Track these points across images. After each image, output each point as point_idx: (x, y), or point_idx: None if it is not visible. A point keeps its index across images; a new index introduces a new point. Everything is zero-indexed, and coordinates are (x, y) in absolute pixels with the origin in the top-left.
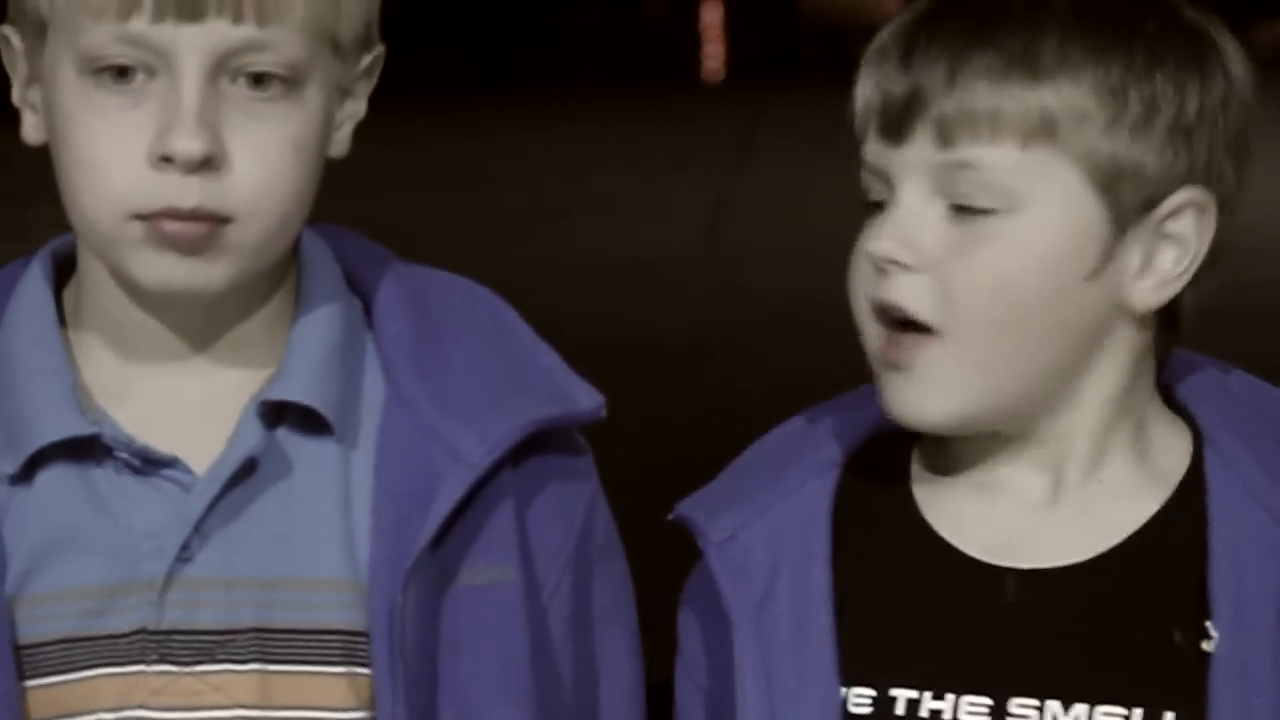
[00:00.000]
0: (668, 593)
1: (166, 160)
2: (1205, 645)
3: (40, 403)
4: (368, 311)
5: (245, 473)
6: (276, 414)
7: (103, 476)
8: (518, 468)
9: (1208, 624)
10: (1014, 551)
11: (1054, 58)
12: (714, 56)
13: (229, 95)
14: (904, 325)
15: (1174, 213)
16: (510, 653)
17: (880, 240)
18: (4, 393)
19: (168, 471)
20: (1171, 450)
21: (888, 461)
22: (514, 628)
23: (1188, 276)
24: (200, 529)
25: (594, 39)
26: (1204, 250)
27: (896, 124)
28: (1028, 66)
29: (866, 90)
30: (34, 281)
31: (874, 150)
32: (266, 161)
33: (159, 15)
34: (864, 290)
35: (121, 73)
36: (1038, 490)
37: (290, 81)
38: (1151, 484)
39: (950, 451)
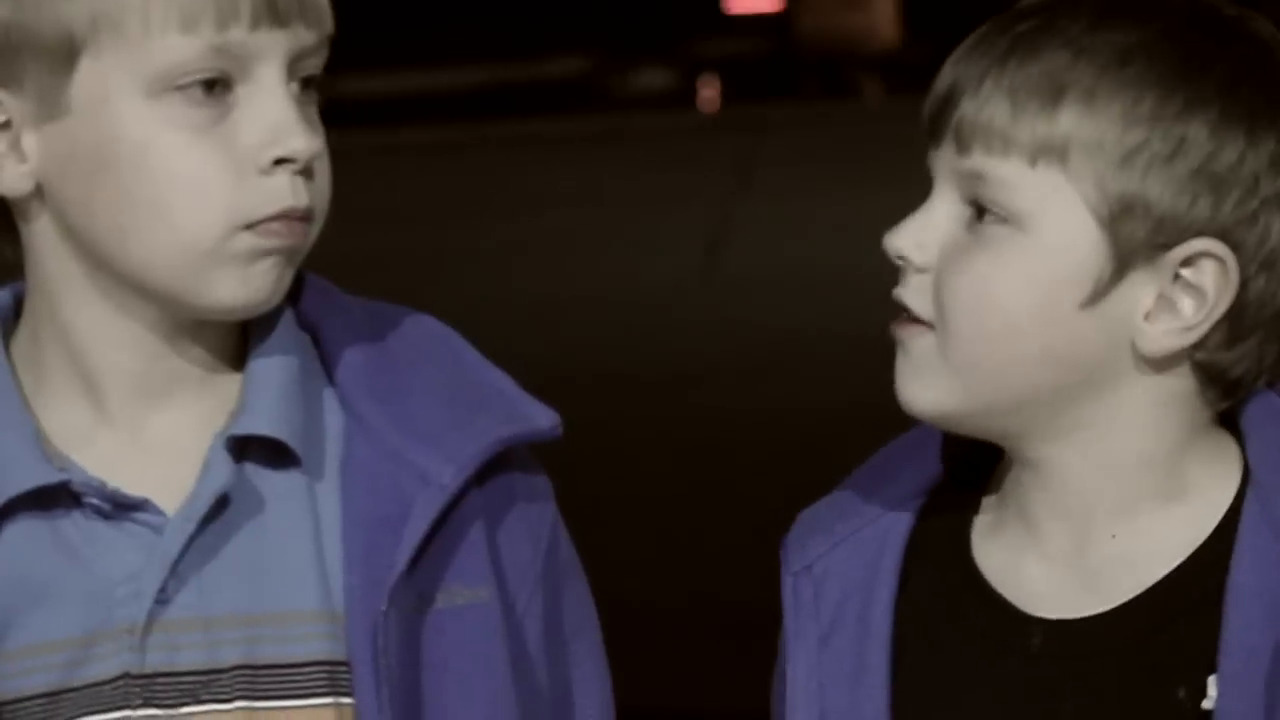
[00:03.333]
0: (650, 615)
1: (280, 163)
2: (1205, 704)
3: (2, 455)
4: (316, 343)
5: (217, 510)
6: (241, 449)
7: (71, 524)
8: (484, 488)
9: (1210, 679)
10: (1045, 600)
11: (1084, 82)
12: (709, 84)
13: (294, 96)
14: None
15: (1189, 260)
16: (492, 672)
17: (896, 236)
18: None
19: (138, 514)
20: (1211, 496)
21: (959, 499)
22: (494, 648)
23: (1204, 328)
24: (176, 570)
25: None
26: (1223, 305)
27: (932, 122)
28: (1053, 87)
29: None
30: None
31: (927, 149)
32: (327, 163)
33: (255, 22)
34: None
35: (209, 86)
36: (1068, 538)
37: (315, 84)
38: (1183, 533)
39: (1003, 494)
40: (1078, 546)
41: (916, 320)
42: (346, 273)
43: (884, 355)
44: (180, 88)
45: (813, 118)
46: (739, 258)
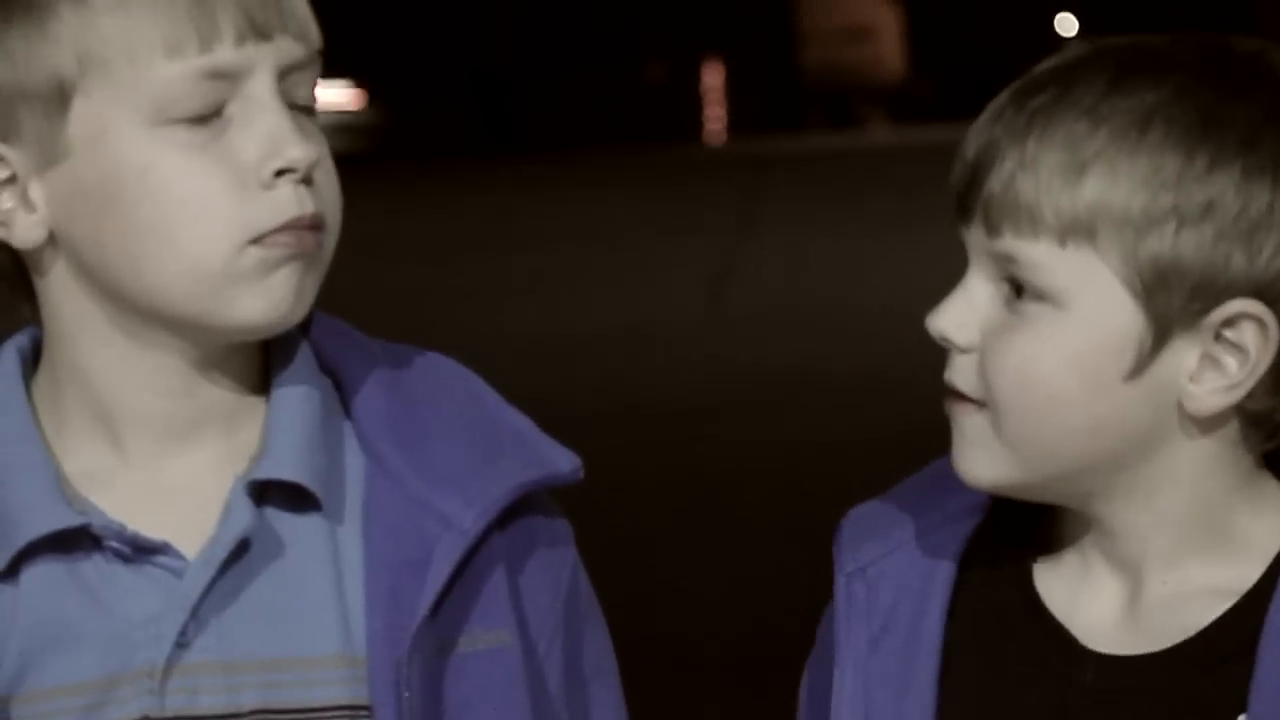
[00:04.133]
0: (655, 650)
1: (281, 174)
2: None
3: (24, 498)
4: (337, 386)
5: (238, 554)
6: (262, 492)
7: (91, 567)
8: (505, 531)
9: (1240, 719)
10: (1099, 637)
11: (1106, 154)
12: (715, 119)
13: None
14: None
15: (1229, 322)
16: (514, 715)
17: (938, 318)
18: None
19: (158, 557)
20: (1258, 543)
21: (1022, 518)
22: (515, 690)
23: (1249, 385)
24: (196, 614)
25: (595, 103)
26: (1266, 360)
27: (960, 201)
28: (1075, 163)
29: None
30: (4, 377)
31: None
32: (331, 171)
33: (240, 39)
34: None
35: (201, 117)
36: (1121, 583)
37: (313, 109)
38: (1231, 579)
39: (1060, 531)
40: (1131, 591)
41: (967, 398)
42: (354, 308)
43: (889, 390)
44: (175, 118)
45: (818, 152)
46: (743, 293)
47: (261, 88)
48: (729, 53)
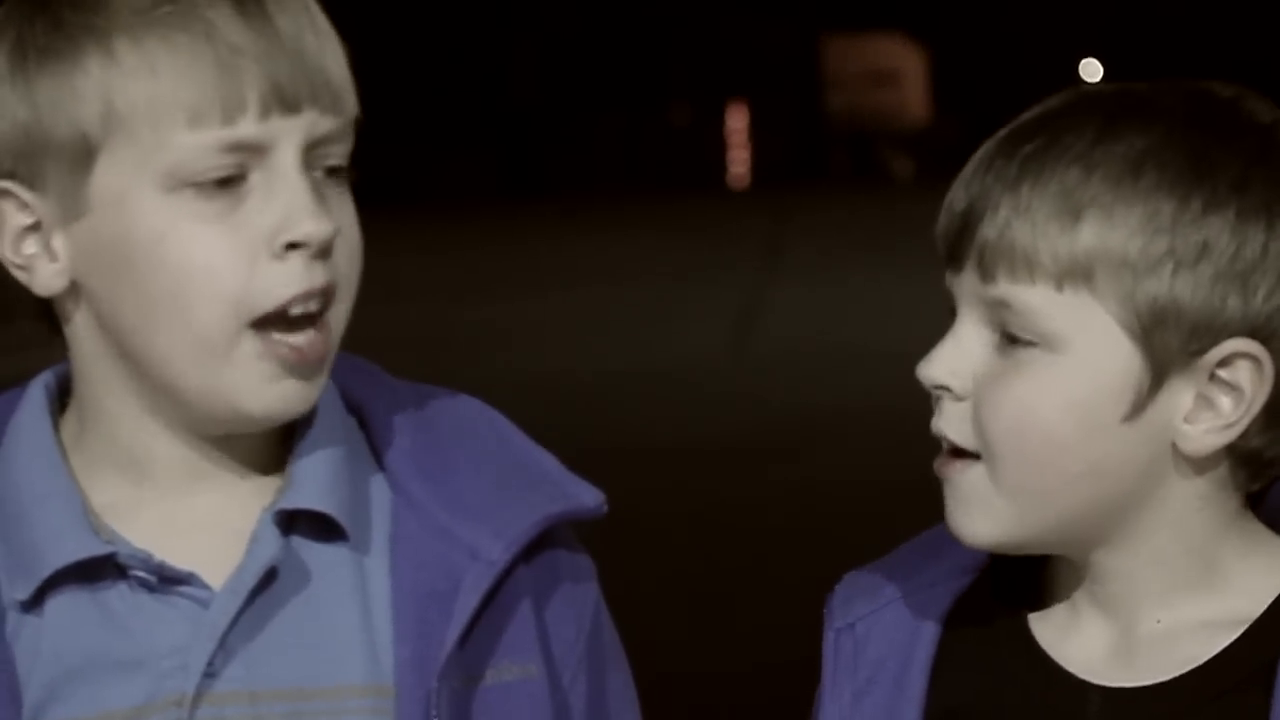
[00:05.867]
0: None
1: (294, 247)
2: None
3: (50, 527)
4: (362, 425)
5: (265, 583)
6: (289, 523)
7: (116, 596)
8: (530, 564)
9: None
10: (1099, 670)
11: (1101, 199)
12: (739, 162)
13: (314, 182)
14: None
15: (1224, 361)
16: None
17: (930, 366)
18: (11, 521)
19: (184, 587)
20: (1247, 580)
21: (1016, 574)
22: None
23: (1244, 424)
24: (224, 643)
25: (619, 145)
26: (1261, 399)
27: (950, 248)
28: (1070, 208)
29: (945, 202)
30: (33, 412)
31: (944, 270)
32: (355, 239)
33: (264, 113)
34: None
35: (223, 181)
36: (1114, 623)
37: (345, 170)
38: (1224, 613)
39: (1053, 578)
40: (1123, 630)
41: (959, 454)
42: (378, 349)
43: (912, 431)
44: (195, 184)
45: (842, 195)
46: (766, 335)
47: (285, 161)
48: (753, 96)
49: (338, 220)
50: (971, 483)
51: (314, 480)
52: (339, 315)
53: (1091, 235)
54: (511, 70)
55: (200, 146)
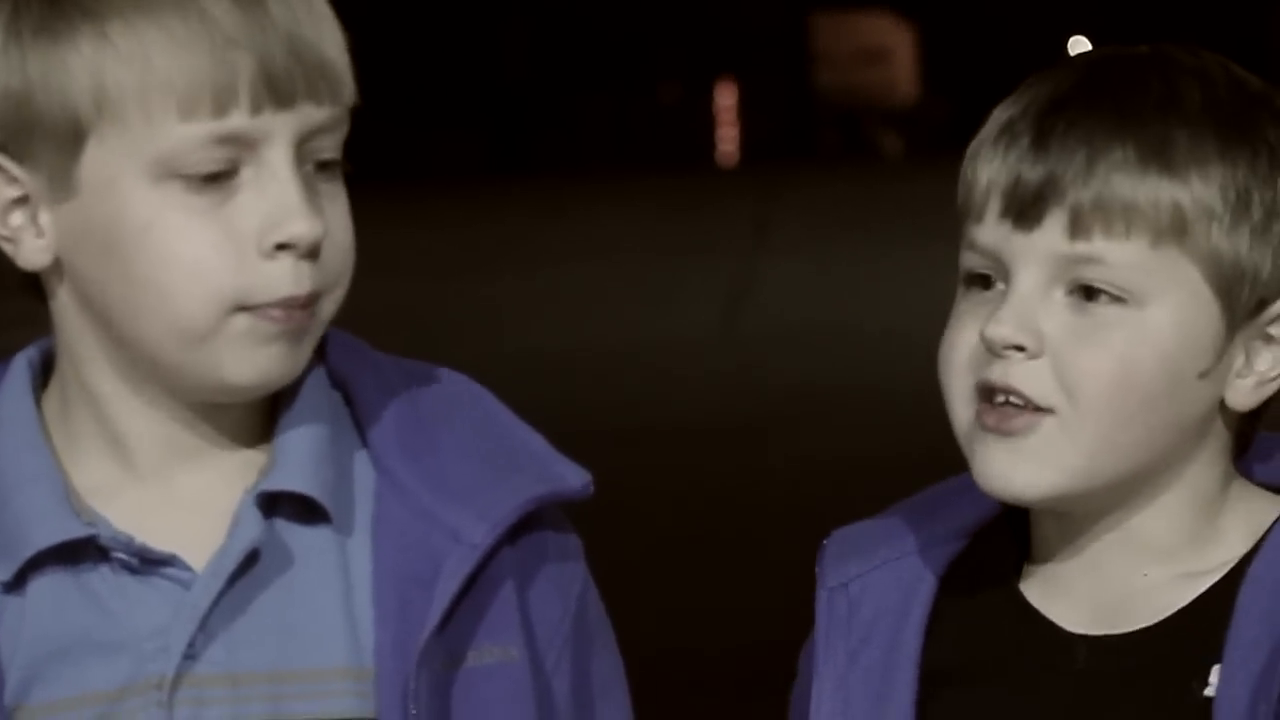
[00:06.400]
0: (669, 669)
1: (282, 248)
2: (1207, 691)
3: (31, 508)
4: (348, 401)
5: (247, 565)
6: (271, 504)
7: (98, 578)
8: (515, 546)
9: (1214, 668)
10: (1085, 621)
11: (1187, 154)
12: (728, 140)
13: (305, 177)
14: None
15: (1276, 318)
16: None
17: (1000, 325)
18: None
19: (166, 569)
20: (1235, 532)
21: (1008, 536)
22: (523, 706)
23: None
24: (204, 625)
25: (608, 123)
26: None
27: (1027, 209)
28: (1163, 161)
29: (990, 170)
30: (15, 391)
31: (993, 232)
32: (345, 236)
33: (256, 107)
34: (966, 370)
35: (212, 176)
36: (1101, 577)
37: (339, 163)
38: (1209, 564)
39: (1048, 532)
40: (1110, 584)
41: (1024, 408)
42: (365, 326)
43: (903, 410)
44: (183, 176)
45: (831, 173)
46: (756, 314)
47: (276, 156)
48: (743, 74)
49: (328, 217)
50: (1044, 437)
51: (297, 460)
52: (327, 306)
53: (1185, 191)
54: (502, 48)
55: (191, 138)
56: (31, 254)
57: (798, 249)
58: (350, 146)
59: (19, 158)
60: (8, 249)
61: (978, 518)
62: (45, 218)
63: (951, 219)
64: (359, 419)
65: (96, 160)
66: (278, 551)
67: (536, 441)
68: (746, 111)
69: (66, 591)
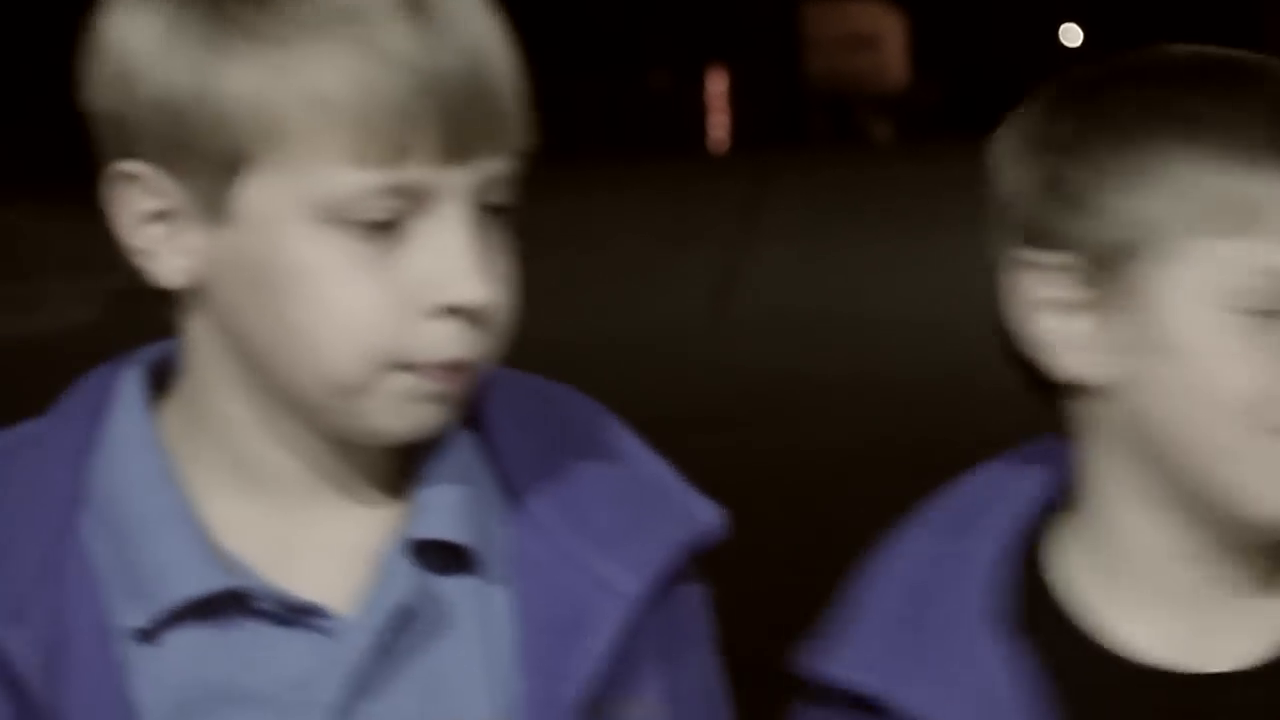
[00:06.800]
0: None
1: (451, 311)
2: None
3: (168, 553)
4: (471, 420)
5: (395, 617)
6: (418, 551)
7: (239, 625)
8: (654, 593)
9: None
10: (1182, 654)
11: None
12: (719, 126)
13: (477, 226)
14: None
15: None
16: None
17: None
18: (121, 537)
19: (309, 618)
20: None
21: (1032, 572)
22: None
23: None
24: (354, 678)
25: (599, 110)
26: None
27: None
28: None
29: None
30: (131, 413)
31: None
32: (509, 286)
33: (436, 158)
34: (1253, 409)
35: (380, 224)
36: (1222, 590)
37: (509, 209)
38: None
39: (1122, 550)
40: (1229, 595)
41: None
42: None
43: (894, 396)
44: (348, 221)
45: (821, 159)
46: (746, 300)
47: (451, 212)
48: (733, 60)
49: (496, 270)
50: None
51: (446, 506)
52: (488, 363)
53: (1262, 186)
54: None
55: (362, 185)
56: (168, 272)
57: (788, 235)
58: None
59: (172, 169)
60: (140, 261)
61: (987, 566)
62: (192, 239)
63: (941, 204)
64: (490, 443)
65: (255, 191)
66: (427, 603)
67: (667, 475)
68: (737, 98)
69: (208, 637)
